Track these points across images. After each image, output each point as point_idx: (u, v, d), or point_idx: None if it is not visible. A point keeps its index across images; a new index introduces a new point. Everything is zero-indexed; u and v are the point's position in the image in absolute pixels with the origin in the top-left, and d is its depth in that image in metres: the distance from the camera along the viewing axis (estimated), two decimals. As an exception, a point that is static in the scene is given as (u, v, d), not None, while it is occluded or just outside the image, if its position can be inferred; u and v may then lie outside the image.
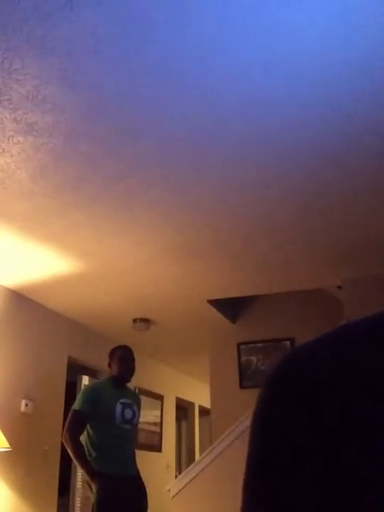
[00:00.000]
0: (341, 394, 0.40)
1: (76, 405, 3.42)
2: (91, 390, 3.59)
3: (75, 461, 3.43)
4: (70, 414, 3.43)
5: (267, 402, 0.47)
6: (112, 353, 3.66)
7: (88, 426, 3.38)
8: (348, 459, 0.38)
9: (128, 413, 3.48)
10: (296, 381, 0.44)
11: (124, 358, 3.59)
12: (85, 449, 3.36)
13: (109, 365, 3.64)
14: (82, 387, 5.21)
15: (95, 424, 3.37)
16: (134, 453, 3.57)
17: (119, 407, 3.43)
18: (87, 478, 3.29)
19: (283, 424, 0.44)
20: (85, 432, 3.40)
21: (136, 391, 5.20)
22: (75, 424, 3.35)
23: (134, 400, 3.64)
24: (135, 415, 3.55)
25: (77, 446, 3.30)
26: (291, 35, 1.96)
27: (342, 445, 0.39)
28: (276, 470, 0.42)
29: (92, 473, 3.25)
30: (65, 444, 3.34)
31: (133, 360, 3.63)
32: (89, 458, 3.31)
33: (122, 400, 3.48)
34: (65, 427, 3.36)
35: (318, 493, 0.39)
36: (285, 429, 0.43)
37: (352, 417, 0.39)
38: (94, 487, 3.24)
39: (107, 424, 3.38)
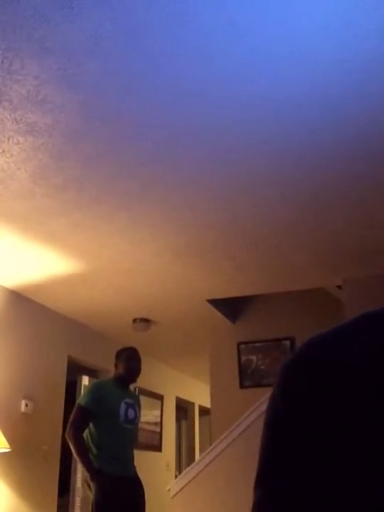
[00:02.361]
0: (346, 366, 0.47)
1: (82, 401, 3.42)
2: (97, 387, 3.60)
3: (76, 458, 3.43)
4: (75, 409, 3.43)
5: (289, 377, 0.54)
6: (119, 354, 3.67)
7: (91, 423, 3.38)
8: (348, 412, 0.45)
9: (131, 413, 3.49)
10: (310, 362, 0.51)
11: (130, 359, 3.61)
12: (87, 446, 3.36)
13: (116, 365, 3.65)
14: (82, 387, 5.21)
15: (99, 422, 3.37)
16: (133, 454, 3.58)
17: (123, 407, 3.44)
18: (87, 476, 3.29)
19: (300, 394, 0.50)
20: (87, 430, 3.40)
21: (136, 391, 5.21)
22: (79, 419, 3.34)
23: (135, 400, 3.65)
24: (137, 416, 3.57)
25: (80, 443, 3.29)
26: (290, 35, 1.96)
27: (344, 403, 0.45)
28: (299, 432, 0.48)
29: (92, 471, 3.25)
30: (68, 439, 3.34)
31: (139, 361, 3.66)
32: (90, 455, 3.31)
33: (126, 400, 3.49)
34: (70, 422, 3.35)
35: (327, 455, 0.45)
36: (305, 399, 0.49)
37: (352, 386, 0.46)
38: (93, 486, 3.24)
39: (111, 422, 3.38)
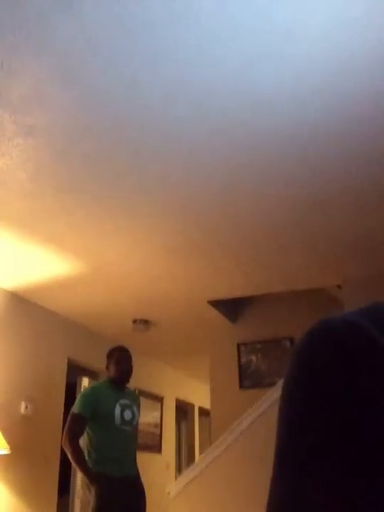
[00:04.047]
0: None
1: (75, 408, 3.41)
2: (90, 392, 3.57)
3: (74, 465, 3.43)
4: (69, 417, 3.42)
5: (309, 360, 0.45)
6: (109, 355, 3.65)
7: (88, 428, 3.37)
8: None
9: (127, 414, 3.47)
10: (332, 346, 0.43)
11: (121, 360, 3.58)
12: (85, 450, 3.35)
13: (107, 367, 3.63)
14: (82, 388, 5.20)
15: (95, 427, 3.37)
16: (134, 454, 3.56)
17: (118, 409, 3.42)
18: (87, 480, 3.29)
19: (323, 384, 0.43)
20: (85, 434, 3.39)
21: (136, 392, 5.20)
22: (74, 427, 3.34)
23: (134, 400, 3.62)
24: (135, 416, 3.54)
25: (77, 450, 3.29)
26: (293, 34, 1.96)
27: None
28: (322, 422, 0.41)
29: (91, 476, 3.25)
30: (64, 447, 3.34)
31: (130, 360, 3.62)
32: (88, 459, 3.30)
33: (121, 402, 3.47)
34: (65, 431, 3.35)
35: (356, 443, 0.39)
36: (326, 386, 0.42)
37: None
38: (93, 489, 3.23)
39: (107, 426, 3.37)
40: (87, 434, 3.38)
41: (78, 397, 3.51)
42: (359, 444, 0.40)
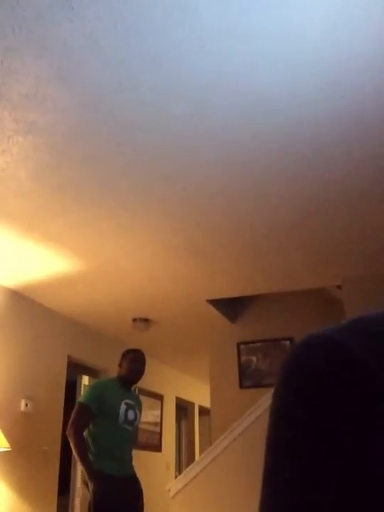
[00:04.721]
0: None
1: (83, 399, 3.42)
2: (99, 386, 3.60)
3: (75, 457, 3.43)
4: (76, 407, 3.42)
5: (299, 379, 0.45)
6: (125, 354, 3.67)
7: (91, 422, 3.38)
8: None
9: (131, 414, 3.49)
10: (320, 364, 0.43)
11: (135, 361, 3.61)
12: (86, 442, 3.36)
13: (120, 365, 3.65)
14: (82, 386, 5.21)
15: (98, 421, 3.37)
16: (131, 454, 3.58)
17: (123, 407, 3.44)
18: (86, 476, 3.29)
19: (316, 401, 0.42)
20: (87, 429, 3.40)
21: (137, 391, 5.20)
22: (81, 418, 3.33)
23: (137, 402, 3.65)
24: (137, 417, 3.57)
25: (81, 442, 3.29)
26: (294, 34, 1.96)
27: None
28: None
29: (91, 471, 3.25)
30: (68, 437, 3.33)
31: (144, 363, 3.66)
32: (89, 455, 3.31)
33: (126, 401, 3.49)
34: (71, 420, 3.34)
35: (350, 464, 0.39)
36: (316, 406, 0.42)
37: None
38: (91, 486, 3.24)
39: (110, 422, 3.38)
40: (89, 429, 3.38)
41: (87, 389, 3.53)
42: (343, 462, 0.40)
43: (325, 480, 0.40)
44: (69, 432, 3.31)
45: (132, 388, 3.72)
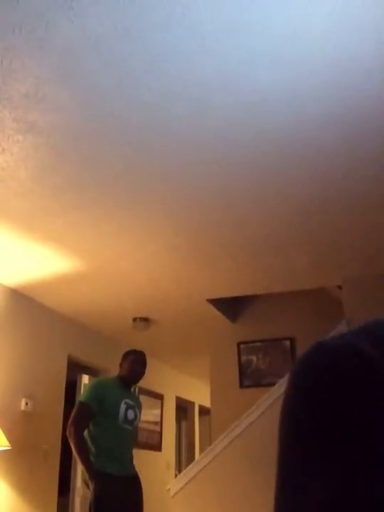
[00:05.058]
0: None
1: (84, 397, 3.42)
2: (99, 384, 3.61)
3: (76, 456, 3.43)
4: (76, 406, 3.42)
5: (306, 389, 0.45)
6: (126, 355, 3.69)
7: (91, 422, 3.38)
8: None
9: (130, 414, 3.49)
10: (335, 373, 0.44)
11: (136, 362, 3.63)
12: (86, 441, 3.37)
13: (121, 365, 3.65)
14: (82, 386, 5.21)
15: (98, 420, 3.38)
16: (132, 453, 3.58)
17: (123, 407, 3.44)
18: (86, 475, 3.29)
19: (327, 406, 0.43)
20: (87, 429, 3.40)
21: (136, 391, 5.21)
22: (81, 417, 3.34)
23: (136, 402, 3.67)
24: (136, 417, 3.57)
25: (81, 442, 3.29)
26: (294, 34, 1.96)
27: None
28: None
29: (91, 471, 3.25)
30: (68, 436, 3.33)
31: (144, 365, 3.67)
32: (89, 453, 3.31)
33: (126, 401, 3.49)
34: (71, 419, 3.34)
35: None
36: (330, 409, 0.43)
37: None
38: (91, 486, 3.24)
39: (110, 422, 3.39)
40: (89, 429, 3.38)
41: (87, 388, 3.53)
42: (355, 464, 0.41)
43: (354, 473, 0.40)
44: (69, 431, 3.31)
45: (132, 389, 3.73)
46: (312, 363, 0.45)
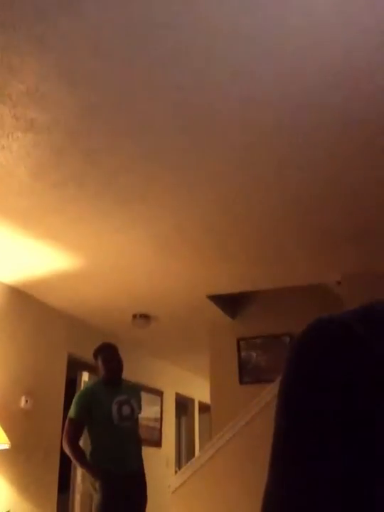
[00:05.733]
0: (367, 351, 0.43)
1: (71, 413, 3.43)
2: (83, 395, 3.55)
3: (77, 465, 3.47)
4: (66, 422, 3.44)
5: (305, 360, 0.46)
6: (95, 356, 3.61)
7: (87, 428, 3.40)
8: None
9: (125, 410, 3.46)
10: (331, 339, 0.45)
11: (108, 358, 3.56)
12: (87, 449, 3.40)
13: (96, 368, 3.62)
14: (82, 383, 5.22)
15: (93, 427, 3.40)
16: (138, 447, 3.55)
17: (115, 407, 3.41)
18: (92, 479, 3.32)
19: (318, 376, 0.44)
20: (86, 432, 3.43)
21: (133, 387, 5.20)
22: (72, 431, 3.38)
23: (132, 393, 3.60)
24: (134, 410, 3.53)
25: (77, 451, 3.35)
26: (290, 32, 1.96)
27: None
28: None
29: (94, 472, 3.28)
30: (65, 450, 3.38)
31: (117, 355, 3.58)
32: (90, 458, 3.35)
33: (117, 399, 3.45)
34: (63, 436, 3.40)
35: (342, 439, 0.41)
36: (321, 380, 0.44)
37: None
38: (97, 485, 3.26)
39: (105, 425, 3.38)
40: (87, 433, 3.42)
41: (73, 401, 3.50)
42: (350, 440, 0.41)
43: (338, 453, 0.41)
44: (64, 445, 3.38)
45: (124, 380, 3.65)
46: (301, 334, 0.48)
